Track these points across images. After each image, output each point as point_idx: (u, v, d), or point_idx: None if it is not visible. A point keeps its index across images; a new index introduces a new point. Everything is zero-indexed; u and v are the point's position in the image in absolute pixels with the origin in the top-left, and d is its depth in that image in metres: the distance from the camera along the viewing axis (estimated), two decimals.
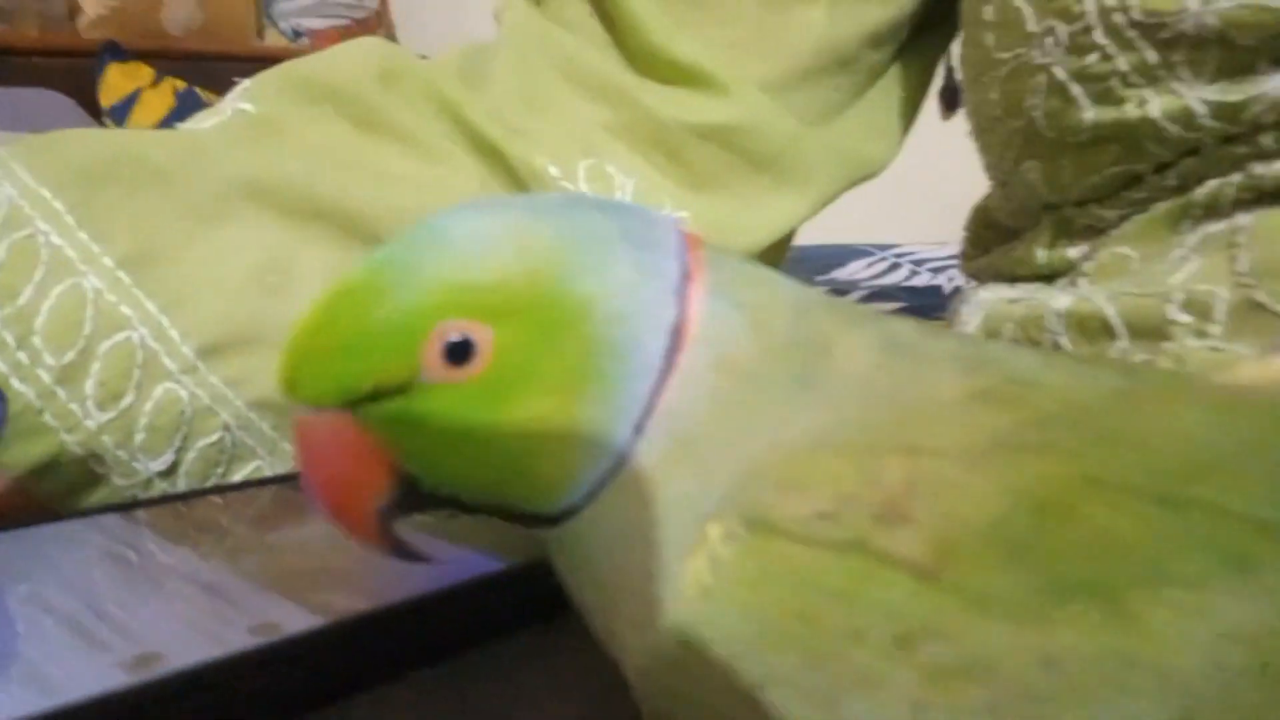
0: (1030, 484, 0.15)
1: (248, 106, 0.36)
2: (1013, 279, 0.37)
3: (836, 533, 0.14)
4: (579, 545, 0.17)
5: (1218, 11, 0.27)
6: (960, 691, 0.14)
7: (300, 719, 0.22)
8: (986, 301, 0.36)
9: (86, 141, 0.32)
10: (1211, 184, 0.30)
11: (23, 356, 0.29)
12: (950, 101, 0.43)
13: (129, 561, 0.26)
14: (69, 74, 1.75)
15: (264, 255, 0.33)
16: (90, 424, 0.30)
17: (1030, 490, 0.15)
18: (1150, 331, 0.30)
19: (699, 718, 0.16)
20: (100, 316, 0.30)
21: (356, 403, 0.16)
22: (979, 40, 0.35)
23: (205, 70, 1.89)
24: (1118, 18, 0.29)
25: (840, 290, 1.12)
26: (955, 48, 0.42)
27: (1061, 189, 0.33)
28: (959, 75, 0.39)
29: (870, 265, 1.23)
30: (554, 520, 0.17)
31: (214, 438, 0.32)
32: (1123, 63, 0.30)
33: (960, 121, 0.40)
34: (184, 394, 0.31)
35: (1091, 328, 0.31)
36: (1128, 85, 0.30)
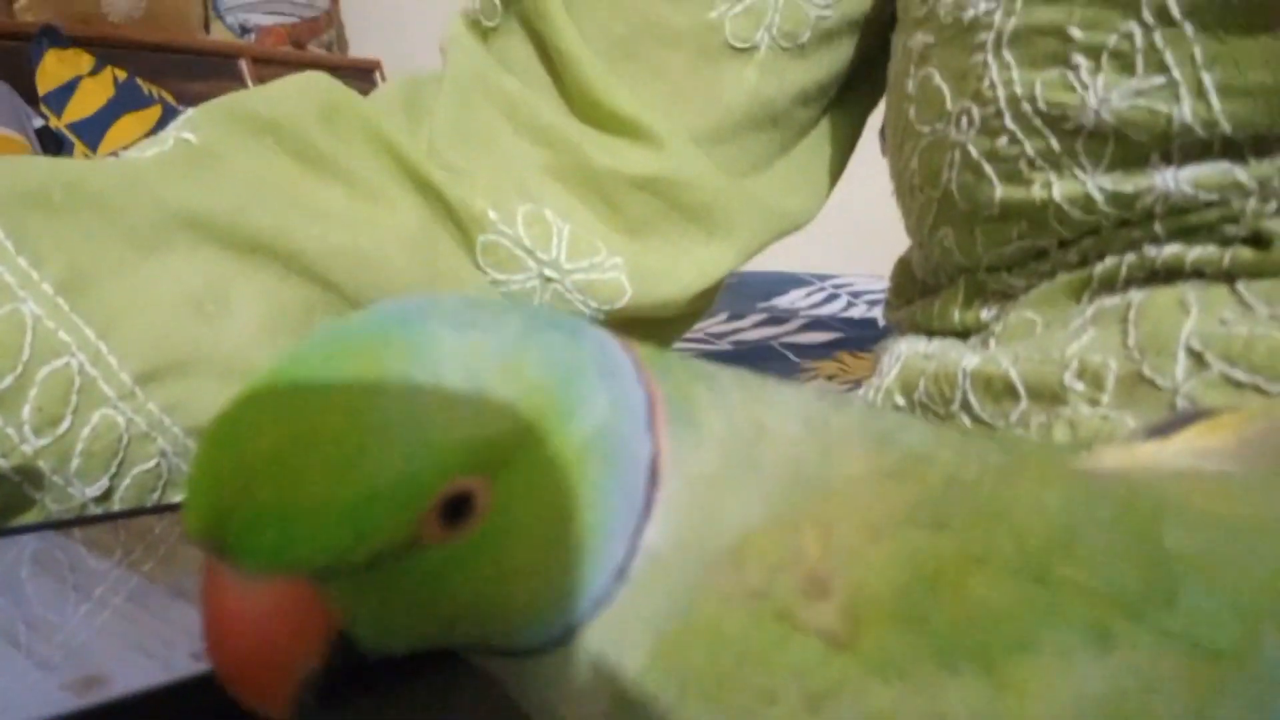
0: (924, 559, 0.16)
1: (190, 136, 0.36)
2: (930, 333, 0.39)
3: (765, 604, 0.16)
4: (548, 680, 0.17)
5: (1113, 109, 0.29)
6: None
7: None
8: (904, 354, 0.38)
9: (25, 167, 0.32)
10: (1109, 261, 0.31)
11: None
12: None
13: (66, 580, 0.26)
14: (3, 58, 1.71)
15: (201, 283, 0.33)
16: (26, 449, 0.30)
17: (924, 565, 0.16)
18: (1048, 396, 0.31)
19: None
20: (38, 342, 0.30)
21: (329, 573, 0.14)
22: (902, 109, 0.37)
23: (147, 61, 1.86)
24: (1025, 106, 0.31)
25: (779, 318, 1.14)
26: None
27: (974, 256, 0.35)
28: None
29: (809, 295, 1.25)
30: (516, 653, 0.16)
31: (150, 464, 0.32)
32: (1029, 147, 0.31)
33: None
34: (121, 420, 0.31)
35: (996, 389, 0.33)
36: (1034, 168, 0.31)
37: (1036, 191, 0.32)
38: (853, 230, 1.18)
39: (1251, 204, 0.28)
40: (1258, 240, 0.29)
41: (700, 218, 0.40)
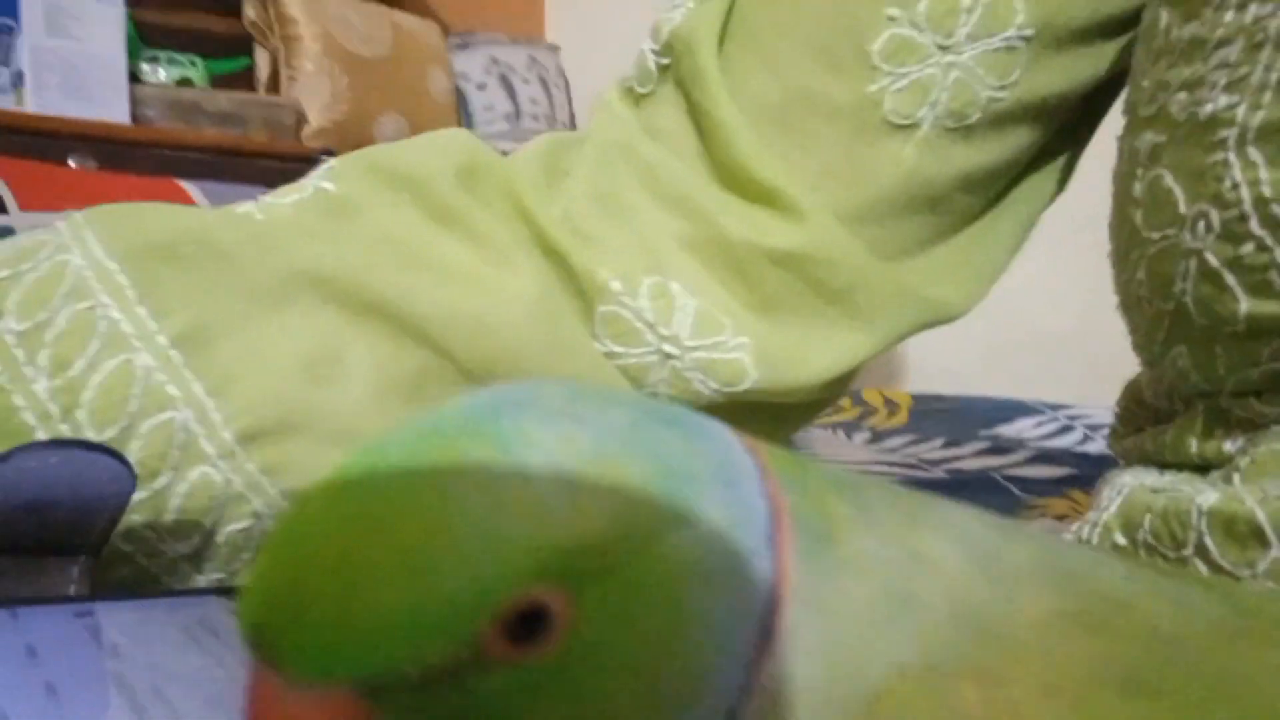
0: None
1: (329, 186, 0.36)
2: (1162, 465, 0.34)
3: None
4: None
5: None
6: None
7: None
8: (1128, 487, 0.34)
9: (158, 216, 0.33)
10: None
11: (65, 429, 0.30)
12: None
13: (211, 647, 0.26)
14: (289, 176, 1.89)
15: (316, 345, 0.33)
16: None
17: None
18: None
19: None
20: (147, 395, 0.30)
21: (380, 688, 0.13)
22: (1127, 215, 0.33)
23: None
24: (1275, 209, 0.27)
25: (1003, 448, 1.07)
26: None
27: (1215, 379, 0.31)
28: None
29: (1039, 424, 1.16)
30: None
31: (243, 524, 0.32)
32: None
33: None
34: (219, 479, 0.31)
35: (1239, 532, 0.29)
36: None
37: None
38: (1092, 358, 1.10)
39: None
40: None
41: (839, 300, 0.38)
